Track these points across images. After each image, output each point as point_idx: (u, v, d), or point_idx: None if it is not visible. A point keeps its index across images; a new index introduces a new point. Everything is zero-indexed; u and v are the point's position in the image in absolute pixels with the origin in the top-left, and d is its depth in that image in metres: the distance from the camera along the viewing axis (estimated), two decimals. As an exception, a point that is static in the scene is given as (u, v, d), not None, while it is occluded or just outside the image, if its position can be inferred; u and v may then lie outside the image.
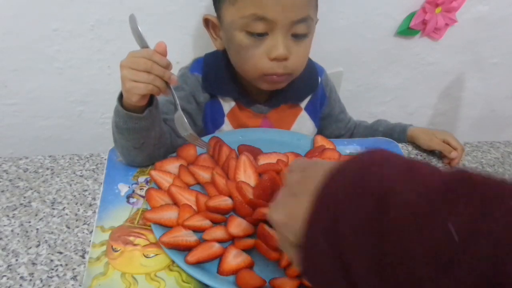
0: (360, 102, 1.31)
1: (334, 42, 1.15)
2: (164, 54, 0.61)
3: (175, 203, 0.63)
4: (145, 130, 0.66)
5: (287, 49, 0.71)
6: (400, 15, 1.14)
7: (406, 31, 1.16)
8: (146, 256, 0.58)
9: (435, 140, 0.86)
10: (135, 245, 0.60)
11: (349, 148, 0.83)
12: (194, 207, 0.63)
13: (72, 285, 0.56)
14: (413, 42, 1.21)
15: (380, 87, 1.31)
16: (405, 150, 0.89)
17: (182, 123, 0.66)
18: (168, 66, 0.61)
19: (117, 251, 0.58)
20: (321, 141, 0.78)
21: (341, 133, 0.98)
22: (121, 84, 0.62)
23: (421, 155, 0.88)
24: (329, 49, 1.16)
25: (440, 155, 0.88)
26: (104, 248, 0.59)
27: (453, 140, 0.86)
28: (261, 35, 0.70)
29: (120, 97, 0.65)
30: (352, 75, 1.23)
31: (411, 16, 1.13)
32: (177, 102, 0.65)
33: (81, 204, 0.68)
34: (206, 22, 0.78)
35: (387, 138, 0.89)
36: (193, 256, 0.56)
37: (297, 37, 0.72)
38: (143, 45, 0.62)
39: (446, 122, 1.47)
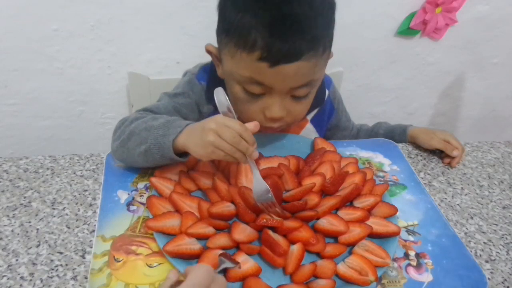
0: (360, 102, 1.31)
1: (334, 42, 1.15)
2: (255, 132, 0.60)
3: (177, 210, 0.62)
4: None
5: (284, 110, 0.69)
6: (400, 15, 1.14)
7: (406, 31, 1.16)
8: (150, 266, 0.57)
9: (435, 139, 0.86)
10: (137, 254, 0.58)
11: (349, 149, 0.83)
12: (196, 213, 0.62)
13: (72, 285, 0.56)
14: (413, 42, 1.21)
15: (380, 87, 1.31)
16: (405, 150, 0.89)
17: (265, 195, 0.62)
18: (254, 144, 0.60)
19: (120, 261, 0.57)
20: (321, 143, 0.78)
21: (345, 140, 0.98)
22: (196, 142, 0.59)
23: (421, 155, 0.88)
24: (329, 49, 1.16)
25: (441, 155, 0.88)
26: (106, 258, 0.57)
27: (453, 140, 0.86)
28: (258, 95, 0.68)
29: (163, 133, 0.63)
30: (352, 75, 1.23)
31: (411, 16, 1.13)
32: (259, 174, 0.62)
33: (81, 204, 0.68)
34: (208, 51, 0.75)
35: (385, 139, 0.89)
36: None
37: (297, 98, 0.69)
38: (230, 114, 0.60)
39: (446, 122, 1.47)
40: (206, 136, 0.57)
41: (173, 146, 0.62)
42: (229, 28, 0.65)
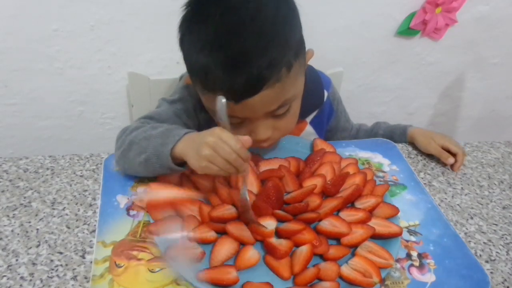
0: (360, 102, 1.31)
1: (334, 42, 1.15)
2: (248, 148, 0.59)
3: (178, 214, 0.62)
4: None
5: (269, 129, 0.68)
6: (400, 15, 1.14)
7: (406, 31, 1.16)
8: (152, 271, 0.57)
9: (432, 144, 0.86)
10: (139, 259, 0.58)
11: (348, 150, 0.83)
12: (198, 217, 0.62)
13: (72, 285, 0.56)
14: (413, 42, 1.21)
15: (380, 87, 1.31)
16: (405, 150, 0.89)
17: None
18: (247, 160, 0.59)
19: (121, 266, 0.57)
20: (320, 144, 0.78)
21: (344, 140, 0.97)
22: (193, 154, 0.59)
23: (421, 155, 0.88)
24: (329, 49, 1.16)
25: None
26: (107, 264, 0.57)
27: (452, 145, 0.85)
28: (239, 123, 0.67)
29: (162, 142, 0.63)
30: (352, 75, 1.23)
31: (411, 16, 1.13)
32: (246, 190, 0.62)
33: (81, 204, 0.68)
34: (188, 84, 0.74)
35: (384, 139, 0.89)
36: (207, 274, 0.54)
37: (278, 116, 0.68)
38: (226, 124, 0.59)
39: (446, 122, 1.47)
40: (202, 150, 0.57)
41: (171, 155, 0.62)
42: (191, 68, 0.65)
